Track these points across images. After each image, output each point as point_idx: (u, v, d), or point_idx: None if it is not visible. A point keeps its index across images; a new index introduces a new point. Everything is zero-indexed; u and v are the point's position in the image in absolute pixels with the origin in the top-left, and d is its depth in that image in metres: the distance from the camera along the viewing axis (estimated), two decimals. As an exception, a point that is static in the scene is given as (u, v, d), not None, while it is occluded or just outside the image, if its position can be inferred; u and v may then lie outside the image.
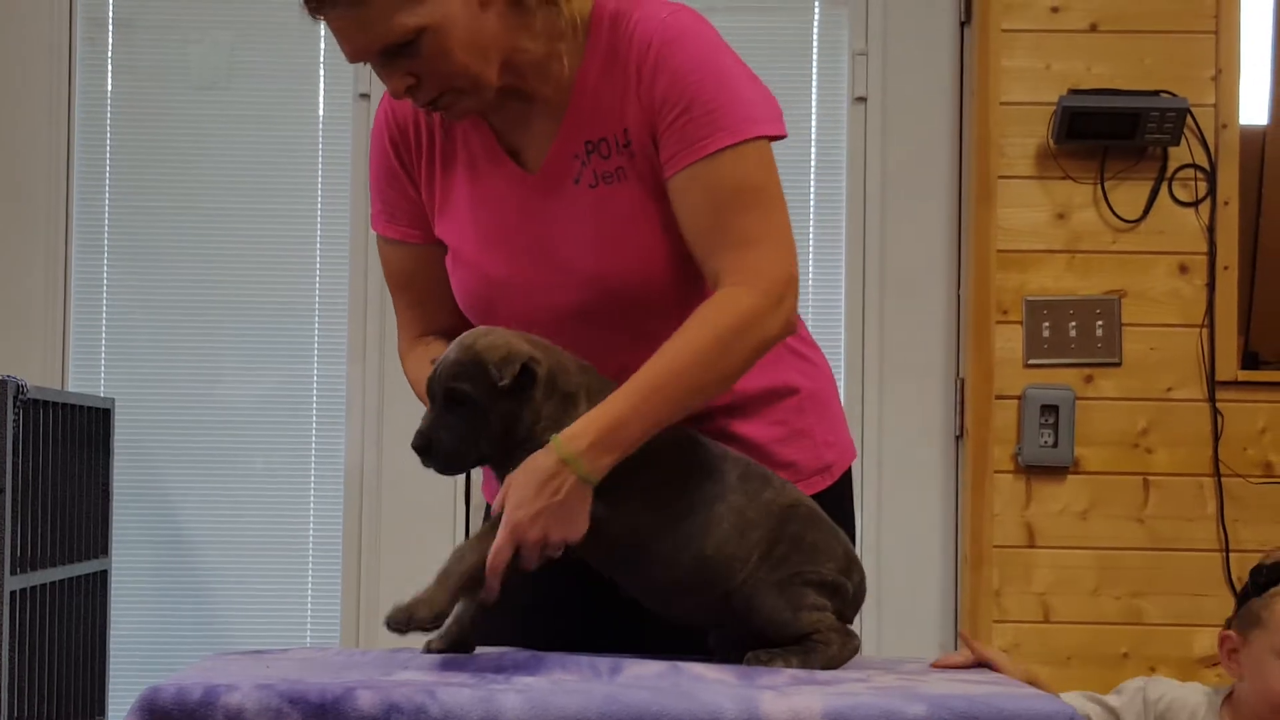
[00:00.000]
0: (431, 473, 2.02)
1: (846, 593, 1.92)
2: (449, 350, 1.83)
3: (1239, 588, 2.82)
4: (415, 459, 1.93)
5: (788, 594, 1.86)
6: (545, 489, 1.77)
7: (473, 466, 1.86)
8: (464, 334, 1.85)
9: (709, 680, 1.73)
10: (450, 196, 2.02)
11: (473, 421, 1.79)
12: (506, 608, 1.86)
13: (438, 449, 1.79)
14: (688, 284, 1.94)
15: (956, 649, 4.05)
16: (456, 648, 1.88)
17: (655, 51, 1.90)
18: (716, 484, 1.87)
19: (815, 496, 1.99)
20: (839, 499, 2.10)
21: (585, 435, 1.78)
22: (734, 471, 1.89)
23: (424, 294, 2.09)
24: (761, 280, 1.86)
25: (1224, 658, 2.68)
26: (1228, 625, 2.71)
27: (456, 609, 1.86)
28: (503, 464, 1.83)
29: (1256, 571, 2.68)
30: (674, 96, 1.89)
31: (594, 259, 1.95)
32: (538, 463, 1.78)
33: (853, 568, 1.93)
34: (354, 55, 1.92)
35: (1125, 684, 2.74)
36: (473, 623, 1.88)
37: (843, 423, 2.18)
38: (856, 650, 1.90)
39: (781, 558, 1.87)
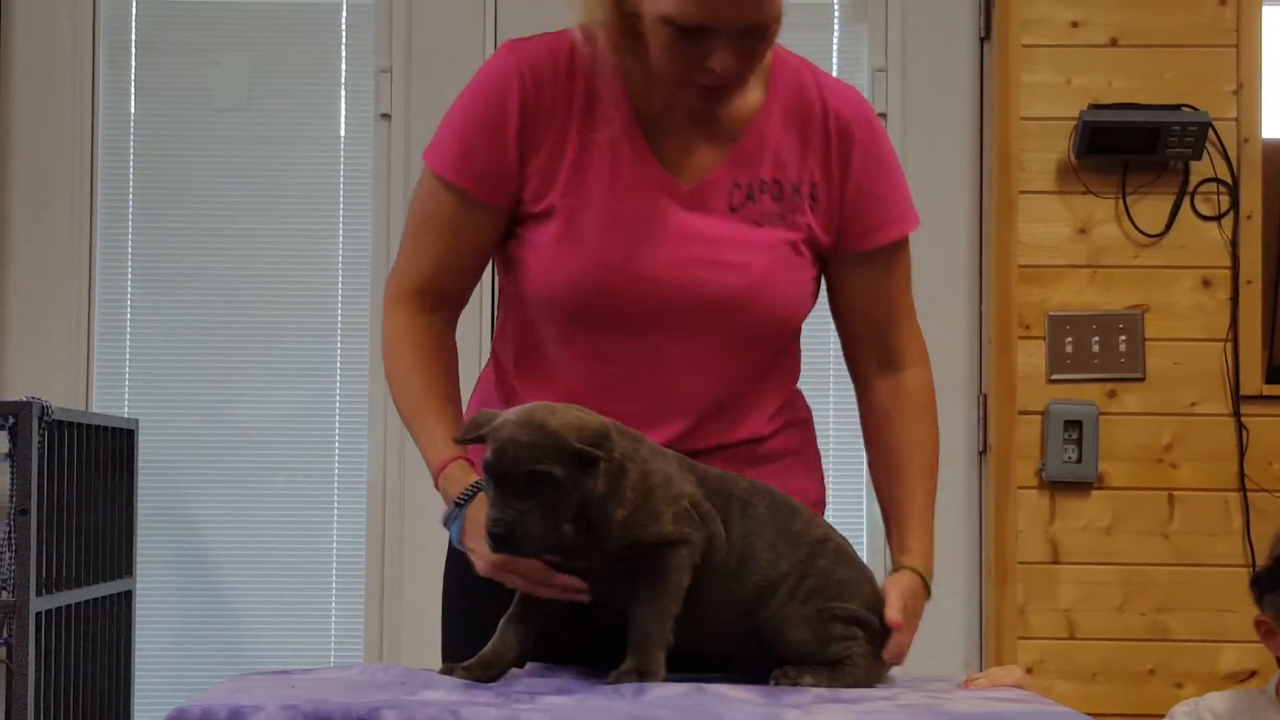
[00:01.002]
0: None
1: (874, 629, 1.91)
2: (509, 427, 1.72)
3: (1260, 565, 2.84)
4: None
5: (816, 627, 1.86)
6: (918, 614, 2.02)
7: (550, 553, 1.78)
8: (518, 409, 1.76)
9: (734, 700, 1.73)
10: (582, 174, 1.98)
11: (557, 504, 1.71)
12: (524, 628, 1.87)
13: (523, 539, 1.71)
14: (791, 341, 2.09)
15: (982, 667, 4.05)
16: (476, 679, 1.86)
17: (860, 130, 2.05)
18: (750, 519, 1.86)
19: None
20: None
21: (927, 556, 2.07)
22: (762, 504, 1.88)
23: (448, 248, 2.02)
24: (926, 354, 2.16)
25: (1264, 640, 2.72)
26: (1259, 603, 2.74)
27: (496, 643, 1.85)
28: (578, 554, 1.78)
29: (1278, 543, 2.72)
30: (873, 180, 2.05)
31: (738, 290, 1.97)
32: (916, 586, 2.03)
33: (879, 606, 1.93)
34: (709, 17, 1.87)
35: (1175, 710, 2.77)
36: (508, 663, 1.86)
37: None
38: (882, 678, 1.89)
39: (811, 591, 1.86)
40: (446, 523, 1.95)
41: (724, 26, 1.87)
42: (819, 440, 2.18)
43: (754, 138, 2.01)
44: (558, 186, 1.98)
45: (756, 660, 1.89)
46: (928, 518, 2.08)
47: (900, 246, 2.10)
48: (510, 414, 1.75)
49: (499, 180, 1.99)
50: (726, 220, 1.99)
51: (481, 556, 1.85)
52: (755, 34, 1.89)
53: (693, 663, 1.93)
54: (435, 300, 2.05)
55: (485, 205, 2.00)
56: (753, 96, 2.01)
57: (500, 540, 1.71)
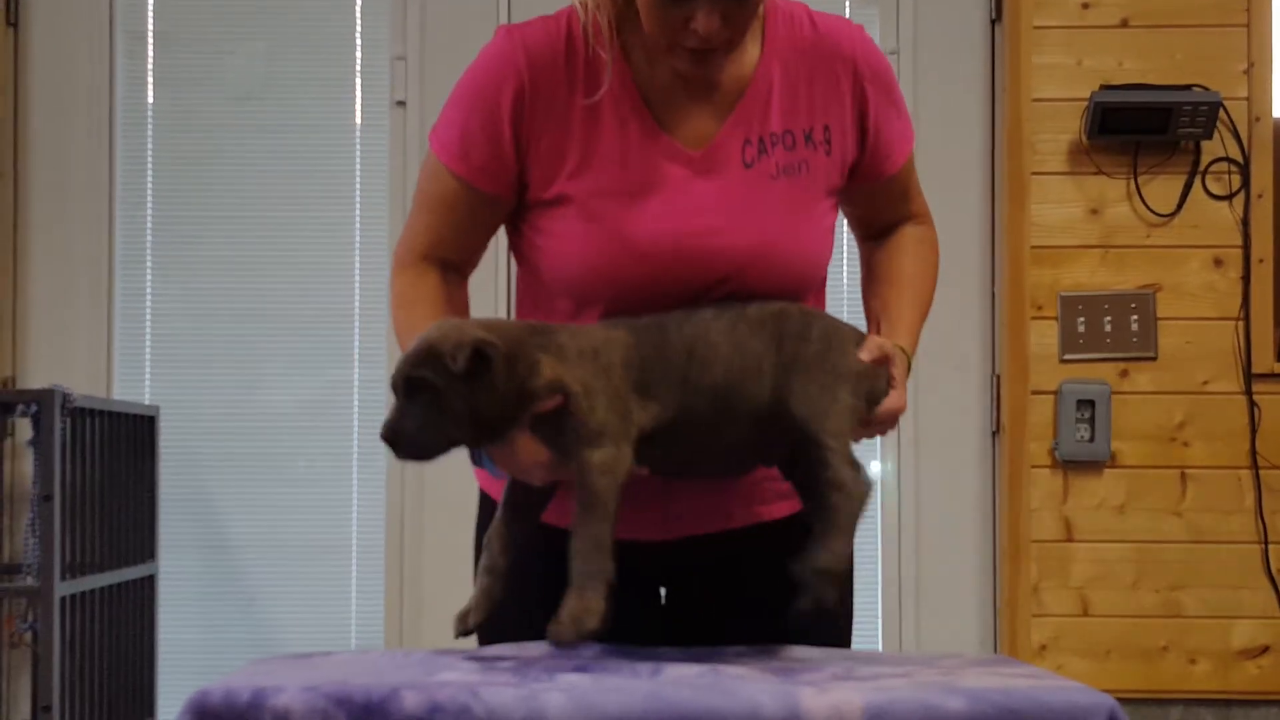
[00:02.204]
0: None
1: (875, 384, 1.92)
2: (416, 340, 1.83)
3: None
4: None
5: (819, 384, 1.87)
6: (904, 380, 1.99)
7: (445, 452, 1.84)
8: (422, 330, 1.85)
9: (749, 679, 1.74)
10: (590, 156, 1.97)
11: (436, 408, 1.79)
12: (525, 601, 1.91)
13: (404, 438, 1.80)
14: (819, 287, 2.08)
15: (996, 646, 4.08)
16: (490, 618, 1.90)
17: (866, 63, 2.04)
18: (691, 323, 1.89)
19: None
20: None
21: (912, 341, 2.07)
22: (708, 310, 1.91)
23: (453, 228, 2.04)
24: (930, 216, 2.21)
25: None
26: None
27: (481, 583, 1.90)
28: (482, 442, 1.85)
29: None
30: (887, 104, 2.06)
31: (759, 250, 1.97)
32: (902, 357, 1.99)
33: (865, 338, 1.94)
34: None
35: None
36: (501, 594, 1.91)
37: None
38: (869, 487, 1.87)
39: (793, 355, 1.88)
40: (477, 461, 1.97)
41: None
42: None
43: (757, 92, 2.00)
44: (566, 171, 1.98)
45: (781, 450, 1.94)
46: (917, 322, 2.11)
47: (908, 162, 2.13)
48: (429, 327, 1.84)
49: (497, 170, 1.99)
50: (742, 178, 1.98)
51: (524, 471, 1.89)
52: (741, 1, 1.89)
53: (691, 633, 1.97)
54: (441, 265, 2.05)
55: (485, 193, 2.00)
56: (749, 56, 2.01)
57: (388, 443, 1.80)
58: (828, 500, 1.84)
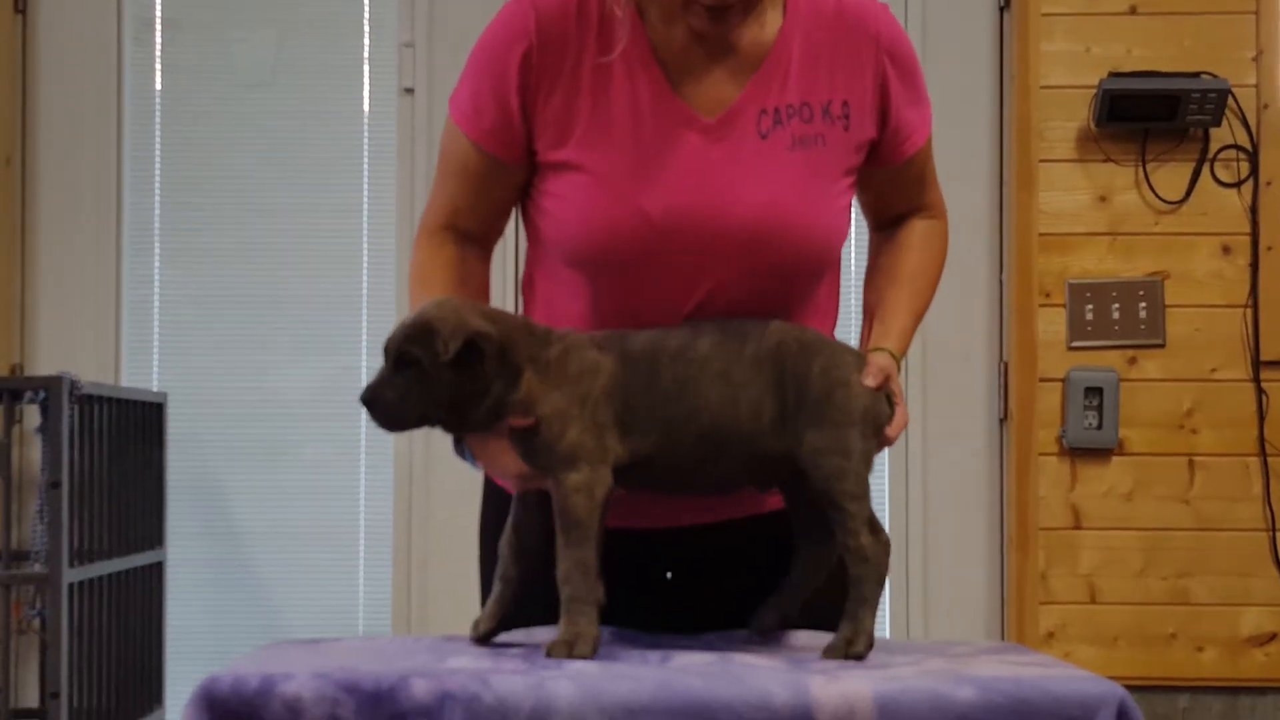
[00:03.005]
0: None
1: (881, 416, 1.89)
2: (409, 314, 1.86)
3: None
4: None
5: (831, 437, 1.85)
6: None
7: (416, 427, 1.86)
8: (426, 302, 1.87)
9: (759, 667, 1.74)
10: (602, 120, 1.95)
11: (419, 385, 1.81)
12: (541, 599, 1.89)
13: (381, 405, 1.83)
14: (832, 270, 2.06)
15: (1004, 634, 4.08)
16: (504, 626, 1.92)
17: (889, 41, 2.02)
18: (683, 363, 1.86)
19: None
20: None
21: (903, 344, 2.02)
22: (706, 343, 1.87)
23: (471, 194, 2.03)
24: (944, 209, 2.17)
25: None
26: None
27: (495, 590, 1.91)
28: (455, 429, 1.87)
29: None
30: (908, 85, 2.04)
31: (773, 218, 1.94)
32: (886, 363, 1.93)
33: (864, 360, 1.91)
34: None
35: None
36: (514, 602, 1.91)
37: None
38: (889, 547, 1.85)
39: (797, 400, 1.85)
40: (460, 452, 1.96)
41: None
42: None
43: (776, 63, 1.97)
44: (576, 134, 1.95)
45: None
46: (910, 324, 2.07)
47: (926, 145, 2.11)
48: (425, 303, 1.86)
49: (507, 135, 1.97)
50: (756, 148, 1.95)
51: (501, 475, 1.91)
52: None
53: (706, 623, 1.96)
54: (461, 236, 2.05)
55: (497, 158, 1.99)
56: (770, 25, 1.97)
57: (365, 405, 1.84)
58: (852, 570, 1.84)
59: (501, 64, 1.97)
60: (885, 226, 2.16)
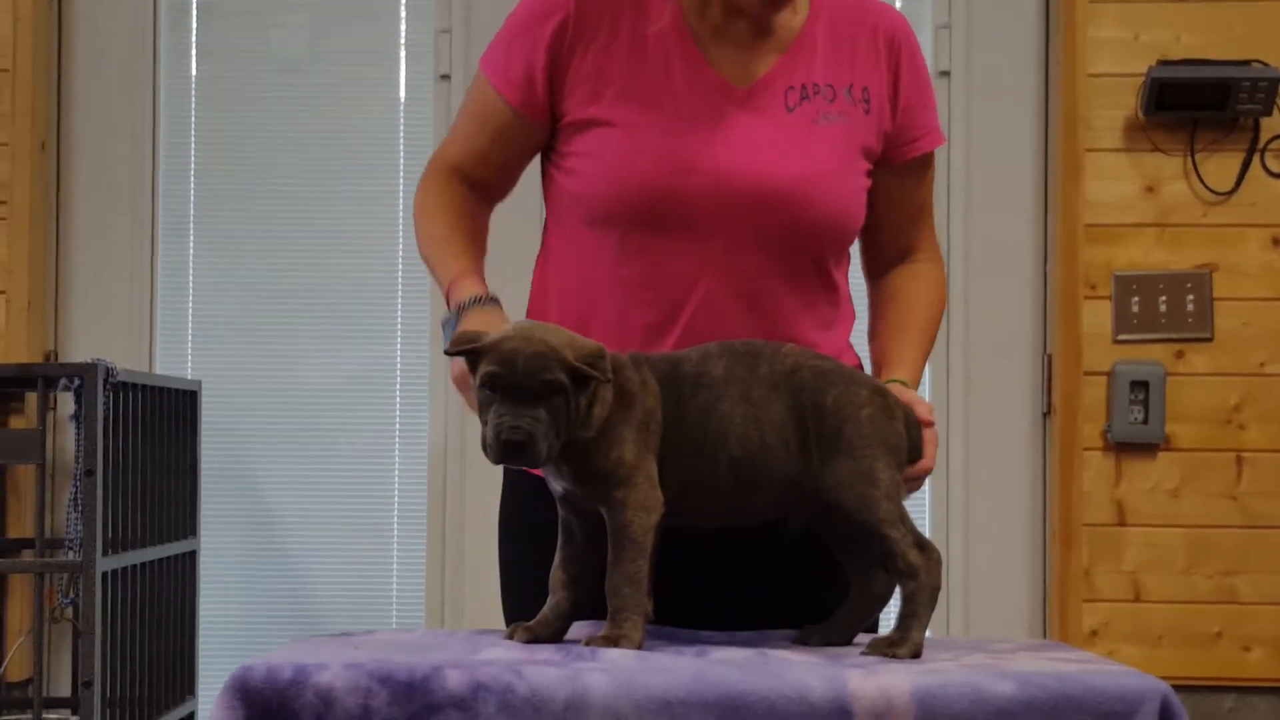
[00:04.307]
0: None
1: (901, 443, 1.85)
2: (513, 341, 1.75)
3: None
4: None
5: (851, 469, 1.81)
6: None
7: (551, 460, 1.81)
8: (514, 326, 1.79)
9: (796, 661, 1.72)
10: (636, 81, 2.03)
11: (562, 415, 1.75)
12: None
13: (533, 447, 1.73)
14: (848, 240, 2.11)
15: (1045, 631, 4.03)
16: (538, 639, 1.86)
17: (904, 39, 2.12)
18: (703, 390, 1.83)
19: None
20: None
21: (915, 372, 2.09)
22: (718, 367, 1.84)
23: (486, 140, 2.11)
24: (940, 253, 2.24)
25: None
26: None
27: (551, 601, 1.86)
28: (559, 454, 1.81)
29: None
30: (918, 89, 2.13)
31: (798, 182, 2.02)
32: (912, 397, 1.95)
33: (890, 403, 1.86)
34: None
35: None
36: (565, 620, 1.87)
37: None
38: (940, 562, 1.82)
39: (816, 431, 1.82)
40: (444, 324, 2.01)
41: None
42: None
43: (803, 46, 2.06)
44: (610, 93, 2.03)
45: (818, 519, 1.89)
46: (920, 359, 2.12)
47: (932, 156, 2.17)
48: (507, 330, 1.78)
49: (529, 94, 2.06)
50: (784, 119, 2.04)
51: (457, 366, 1.91)
52: None
53: (745, 532, 1.95)
54: (467, 181, 2.13)
55: (516, 111, 2.07)
56: (800, 10, 2.08)
57: (516, 447, 1.73)
58: (903, 589, 1.81)
59: (539, 28, 2.05)
60: (882, 269, 2.19)
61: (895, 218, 2.16)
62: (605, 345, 1.80)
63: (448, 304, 2.01)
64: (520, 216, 2.54)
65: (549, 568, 1.87)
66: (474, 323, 1.92)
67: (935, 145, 2.15)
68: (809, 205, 2.01)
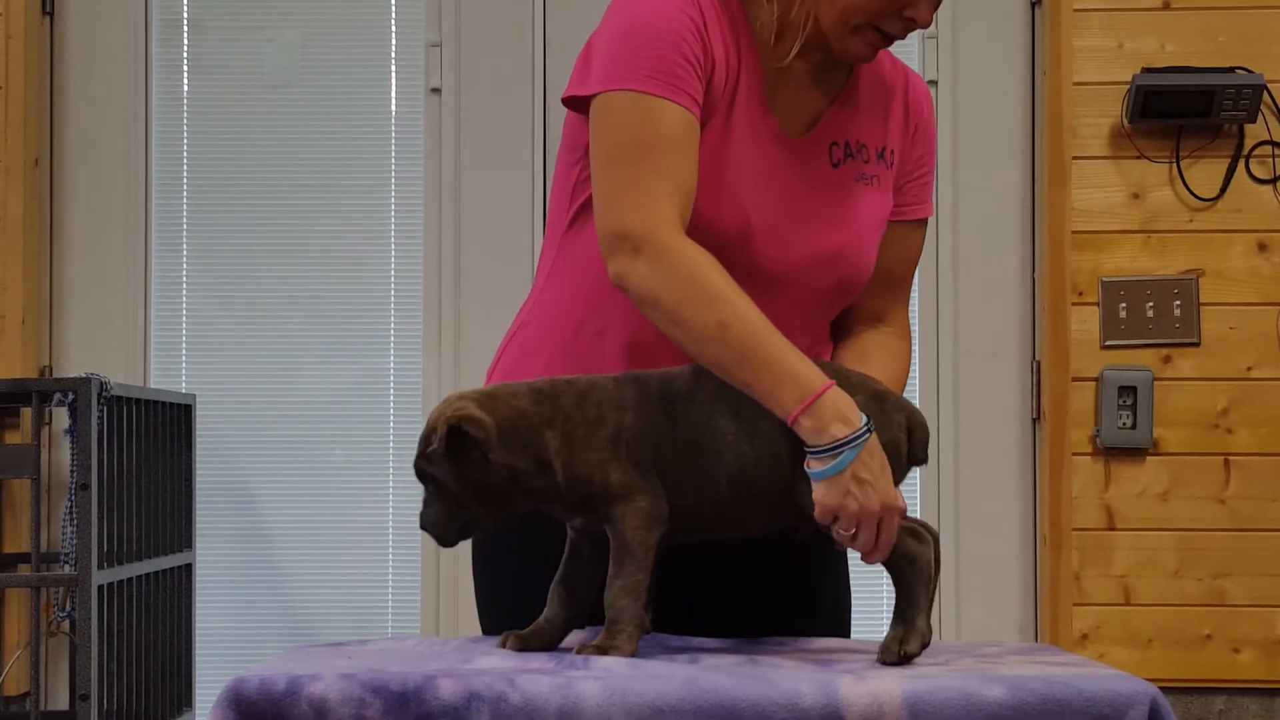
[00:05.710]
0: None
1: (900, 449, 1.85)
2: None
3: None
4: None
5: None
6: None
7: (467, 537, 1.83)
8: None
9: (787, 667, 1.73)
10: (706, 105, 1.95)
11: (448, 492, 1.78)
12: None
13: (430, 528, 1.81)
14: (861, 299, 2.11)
15: (1037, 635, 4.05)
16: (530, 649, 1.87)
17: (927, 107, 2.14)
18: (696, 406, 1.83)
19: None
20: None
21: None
22: (710, 383, 1.83)
23: (682, 164, 1.89)
24: (910, 334, 2.18)
25: None
26: None
27: (547, 613, 1.87)
28: (505, 522, 1.82)
29: None
30: (928, 155, 2.14)
31: (837, 245, 2.01)
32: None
33: (891, 407, 1.85)
34: None
35: None
36: (559, 631, 1.88)
37: None
38: (933, 541, 1.83)
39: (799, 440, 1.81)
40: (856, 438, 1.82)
41: None
42: None
43: (849, 100, 2.06)
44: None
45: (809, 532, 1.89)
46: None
47: (924, 224, 2.17)
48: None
49: (697, 88, 1.93)
50: (828, 175, 2.02)
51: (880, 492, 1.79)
52: None
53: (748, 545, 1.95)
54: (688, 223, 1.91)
55: (699, 119, 1.93)
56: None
57: (425, 530, 1.82)
58: (899, 575, 1.82)
59: (691, 31, 1.93)
60: (848, 327, 2.13)
61: (877, 276, 2.10)
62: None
63: (803, 410, 1.79)
64: (521, 216, 2.54)
65: (526, 586, 1.88)
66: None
67: (925, 215, 2.14)
68: (842, 267, 2.02)
